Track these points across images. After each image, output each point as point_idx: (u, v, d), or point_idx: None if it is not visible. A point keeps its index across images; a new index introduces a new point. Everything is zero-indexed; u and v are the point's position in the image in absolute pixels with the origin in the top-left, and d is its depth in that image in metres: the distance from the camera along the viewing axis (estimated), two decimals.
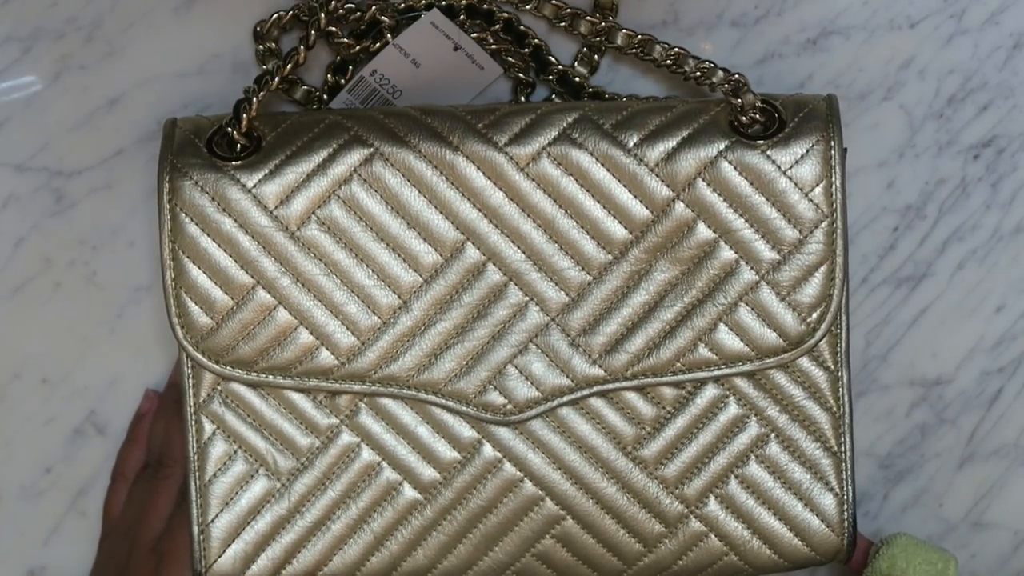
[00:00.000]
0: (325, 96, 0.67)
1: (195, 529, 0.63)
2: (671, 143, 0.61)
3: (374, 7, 0.65)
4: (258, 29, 0.66)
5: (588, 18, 0.66)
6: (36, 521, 0.71)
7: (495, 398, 0.62)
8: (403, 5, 0.66)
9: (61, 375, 0.70)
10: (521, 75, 0.67)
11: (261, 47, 0.66)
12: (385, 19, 0.65)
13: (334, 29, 0.65)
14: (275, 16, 0.66)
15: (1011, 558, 0.75)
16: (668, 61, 0.65)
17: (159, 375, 0.70)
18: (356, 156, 0.61)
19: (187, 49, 0.67)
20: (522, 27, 0.67)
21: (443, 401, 0.62)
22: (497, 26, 0.66)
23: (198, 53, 0.67)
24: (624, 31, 0.66)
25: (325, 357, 0.62)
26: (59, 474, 0.71)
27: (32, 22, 0.66)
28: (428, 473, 0.63)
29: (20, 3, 0.66)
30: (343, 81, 0.67)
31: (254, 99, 0.61)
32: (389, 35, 0.65)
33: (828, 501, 0.64)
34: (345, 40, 0.66)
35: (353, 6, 0.65)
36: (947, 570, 0.68)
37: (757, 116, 0.62)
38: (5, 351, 0.69)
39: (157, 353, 0.70)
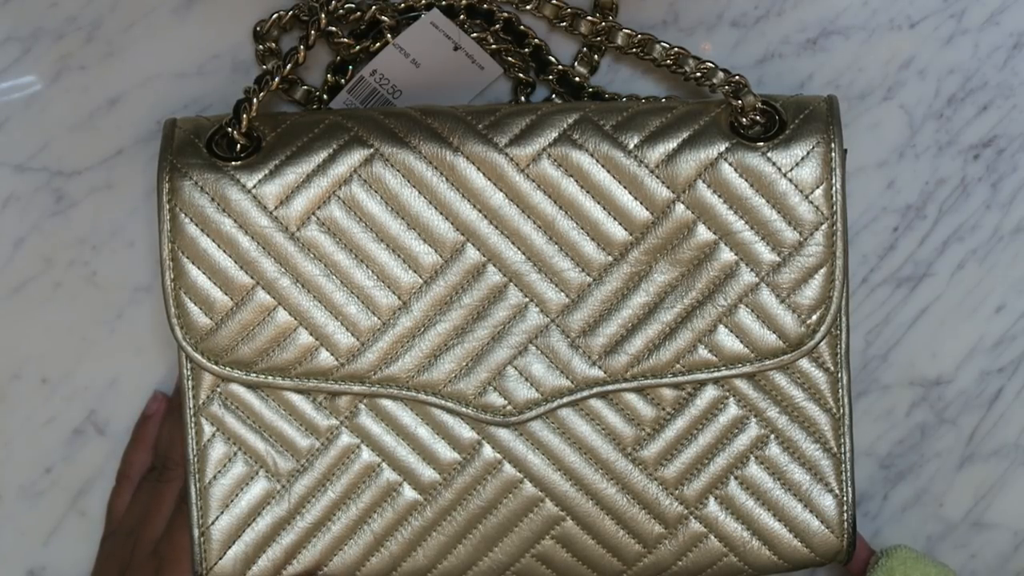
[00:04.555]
0: (325, 96, 0.67)
1: (195, 531, 0.63)
2: (671, 144, 0.61)
3: (374, 7, 0.65)
4: (258, 29, 0.66)
5: (588, 18, 0.66)
6: (36, 521, 0.71)
7: (495, 399, 0.62)
8: (403, 5, 0.66)
9: (61, 375, 0.70)
10: (521, 75, 0.67)
11: (261, 47, 0.66)
12: (385, 19, 0.65)
13: (334, 29, 0.65)
14: (275, 16, 0.66)
15: (1011, 558, 0.75)
16: (668, 61, 0.65)
17: (159, 375, 0.70)
18: (356, 157, 0.61)
19: (187, 49, 0.67)
20: (522, 27, 0.67)
21: (443, 402, 0.62)
22: (497, 26, 0.66)
23: (198, 53, 0.67)
24: (624, 31, 0.66)
25: (325, 358, 0.62)
26: (59, 474, 0.71)
27: (32, 22, 0.66)
28: (428, 474, 0.63)
29: (20, 3, 0.66)
30: (343, 81, 0.67)
31: (254, 99, 0.61)
32: (389, 35, 0.65)
33: (828, 502, 0.64)
34: (345, 40, 0.66)
35: (353, 6, 0.65)
36: None
37: (757, 117, 0.62)
38: (5, 351, 0.69)
39: (157, 353, 0.70)
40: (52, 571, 0.72)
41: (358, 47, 0.66)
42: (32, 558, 0.71)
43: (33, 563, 0.71)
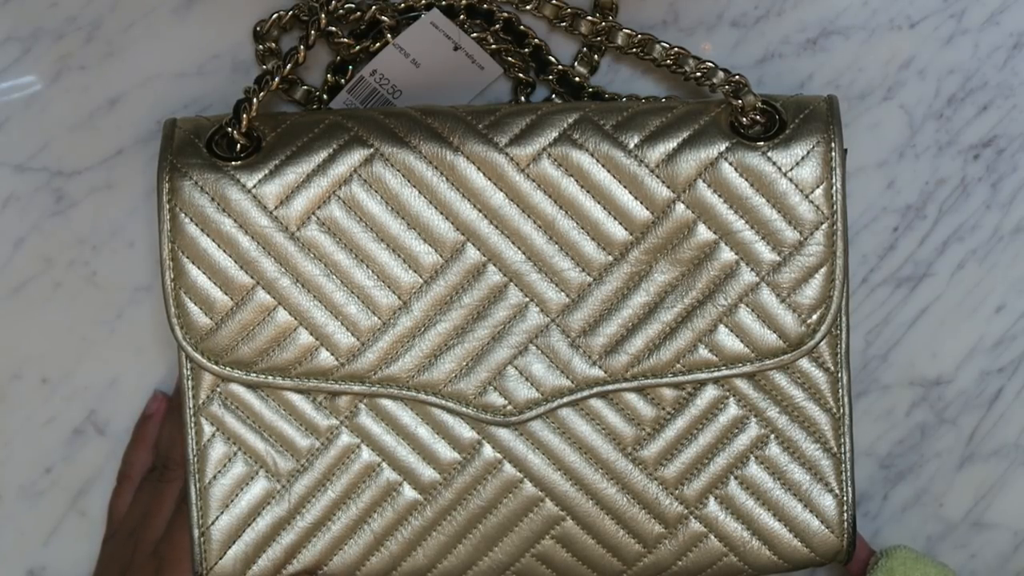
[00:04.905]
0: (325, 96, 0.67)
1: (195, 531, 0.63)
2: (672, 144, 0.61)
3: (374, 7, 0.65)
4: (258, 29, 0.66)
5: (588, 18, 0.66)
6: (36, 521, 0.71)
7: (495, 399, 0.62)
8: (403, 5, 0.66)
9: (61, 375, 0.70)
10: (521, 75, 0.67)
11: (261, 47, 0.66)
12: (385, 19, 0.65)
13: (334, 29, 0.65)
14: (275, 16, 0.66)
15: (1011, 558, 0.75)
16: (668, 61, 0.65)
17: (159, 375, 0.70)
18: (356, 156, 0.61)
19: (187, 49, 0.67)
20: (522, 27, 0.67)
21: (443, 402, 0.62)
22: (497, 26, 0.66)
23: (198, 53, 0.67)
24: (624, 31, 0.66)
25: (325, 358, 0.62)
26: (59, 474, 0.71)
27: (32, 22, 0.66)
28: (428, 474, 0.63)
29: (20, 3, 0.66)
30: (343, 81, 0.67)
31: (254, 99, 0.61)
32: (389, 35, 0.65)
33: (828, 502, 0.64)
34: (345, 40, 0.66)
35: (353, 6, 0.65)
36: None
37: (758, 117, 0.62)
38: (5, 351, 0.69)
39: (157, 353, 0.70)
40: (52, 571, 0.72)
41: (358, 47, 0.66)
42: (32, 558, 0.71)
43: (33, 563, 0.71)
